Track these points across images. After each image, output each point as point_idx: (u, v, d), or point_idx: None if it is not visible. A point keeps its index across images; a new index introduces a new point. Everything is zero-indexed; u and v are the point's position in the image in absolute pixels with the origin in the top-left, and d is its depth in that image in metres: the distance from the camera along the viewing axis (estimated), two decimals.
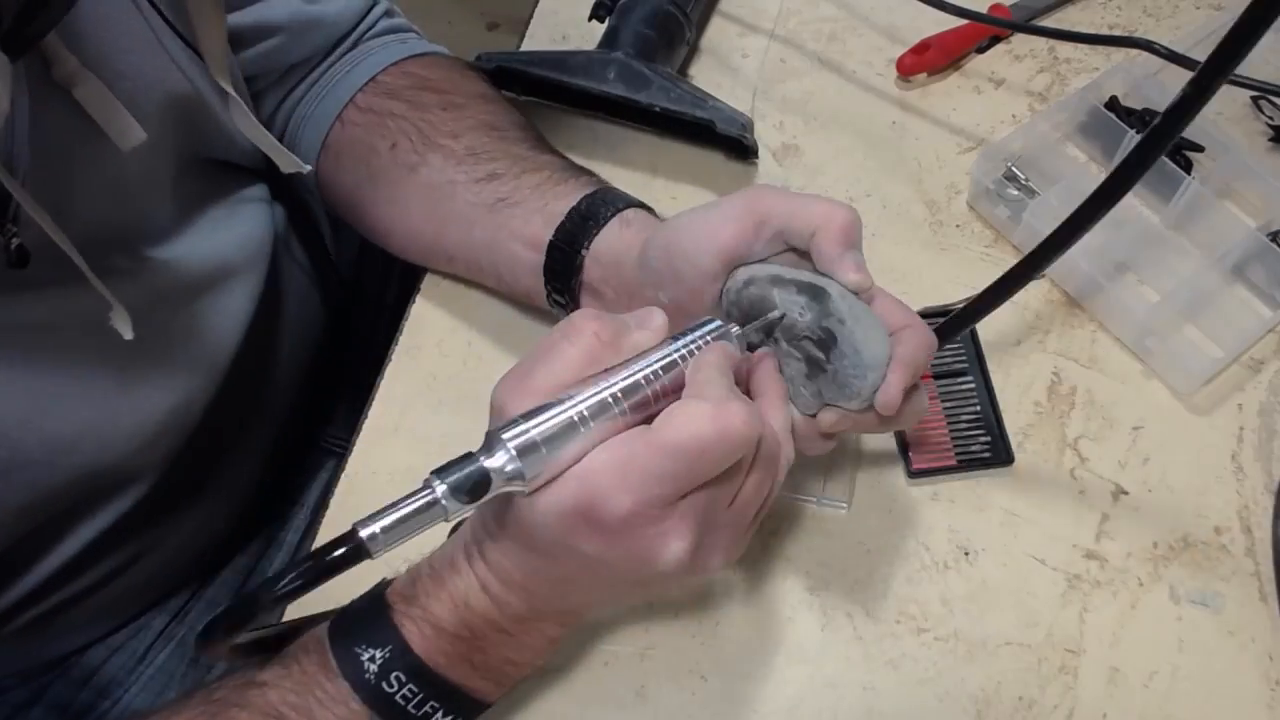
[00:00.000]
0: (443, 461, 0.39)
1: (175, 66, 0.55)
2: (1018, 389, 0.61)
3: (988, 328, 0.63)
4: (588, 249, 0.55)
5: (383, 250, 0.72)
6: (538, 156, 0.61)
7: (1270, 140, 0.69)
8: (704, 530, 0.41)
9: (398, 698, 0.44)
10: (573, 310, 0.53)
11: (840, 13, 0.78)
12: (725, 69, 0.75)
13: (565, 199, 0.57)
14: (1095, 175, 0.69)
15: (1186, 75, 0.63)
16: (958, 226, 0.67)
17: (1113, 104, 0.69)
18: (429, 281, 0.66)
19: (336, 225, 0.83)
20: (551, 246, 0.56)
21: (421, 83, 0.65)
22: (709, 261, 0.48)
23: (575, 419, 0.39)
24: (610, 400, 0.40)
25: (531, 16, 0.79)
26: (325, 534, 0.58)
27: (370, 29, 0.67)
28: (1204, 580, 0.55)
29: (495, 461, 0.38)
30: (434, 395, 0.62)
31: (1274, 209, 0.64)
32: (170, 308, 0.59)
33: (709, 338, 0.43)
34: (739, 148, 0.68)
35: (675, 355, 0.42)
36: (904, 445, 0.59)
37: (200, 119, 0.58)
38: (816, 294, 0.46)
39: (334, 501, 0.59)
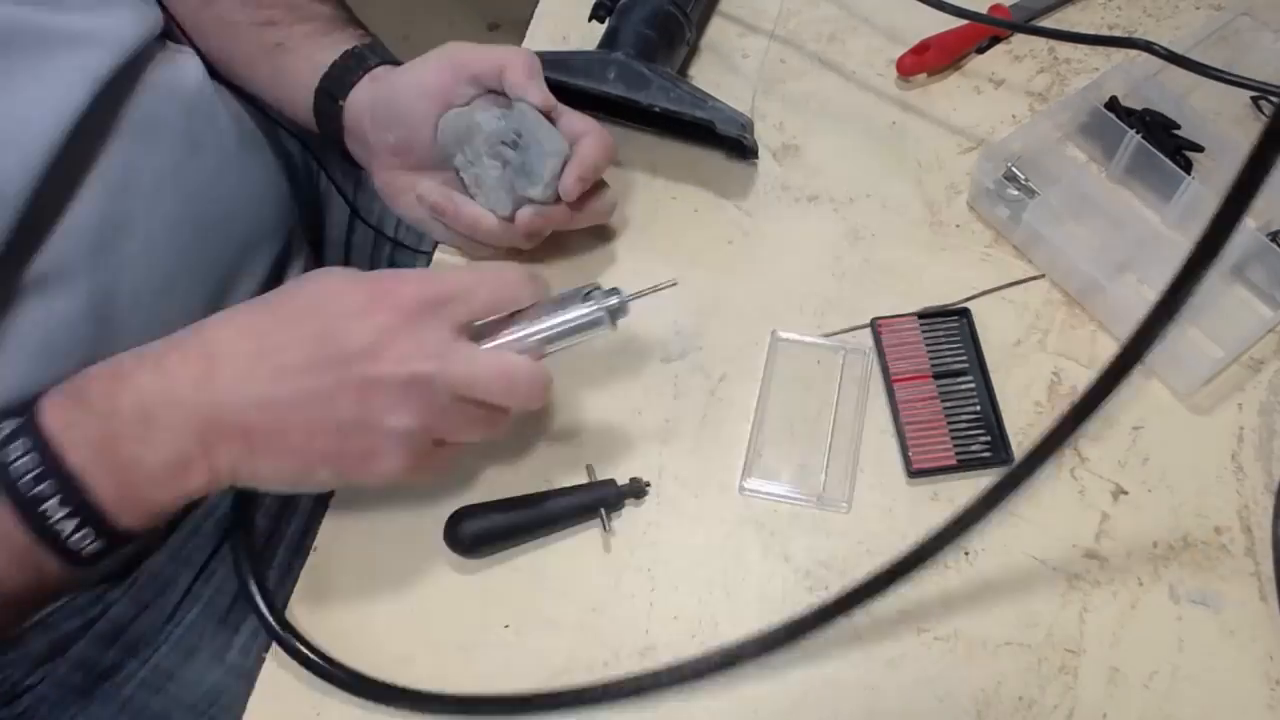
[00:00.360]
0: None
1: None
2: (1018, 389, 0.61)
3: (987, 328, 0.63)
4: (344, 101, 0.62)
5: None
6: (306, 6, 0.67)
7: None
8: (430, 386, 0.46)
9: (13, 467, 0.43)
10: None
11: (840, 13, 0.78)
12: (725, 69, 0.75)
13: (330, 50, 0.64)
14: (1095, 175, 0.69)
15: (1186, 75, 0.64)
16: (958, 226, 0.67)
17: (1113, 104, 0.69)
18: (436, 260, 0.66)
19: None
20: (318, 93, 0.63)
21: None
22: (423, 105, 0.59)
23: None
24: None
25: (532, 17, 0.79)
26: (324, 532, 0.58)
27: None
28: (1204, 580, 0.55)
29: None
30: None
31: (1274, 209, 0.64)
32: None
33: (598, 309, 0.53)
34: (739, 148, 0.68)
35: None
36: (904, 445, 0.59)
37: None
38: (509, 107, 0.59)
39: (333, 501, 0.59)
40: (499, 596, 0.55)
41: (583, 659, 0.54)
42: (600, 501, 0.56)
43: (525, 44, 0.77)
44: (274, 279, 0.76)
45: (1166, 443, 0.59)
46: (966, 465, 0.58)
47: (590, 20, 0.72)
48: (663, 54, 0.69)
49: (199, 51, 0.68)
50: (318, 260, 0.82)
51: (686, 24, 0.71)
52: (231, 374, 0.45)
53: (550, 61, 0.68)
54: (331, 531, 0.58)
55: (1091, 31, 0.74)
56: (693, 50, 0.75)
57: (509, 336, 0.51)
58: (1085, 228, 0.66)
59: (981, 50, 0.75)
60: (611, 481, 0.57)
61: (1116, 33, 0.75)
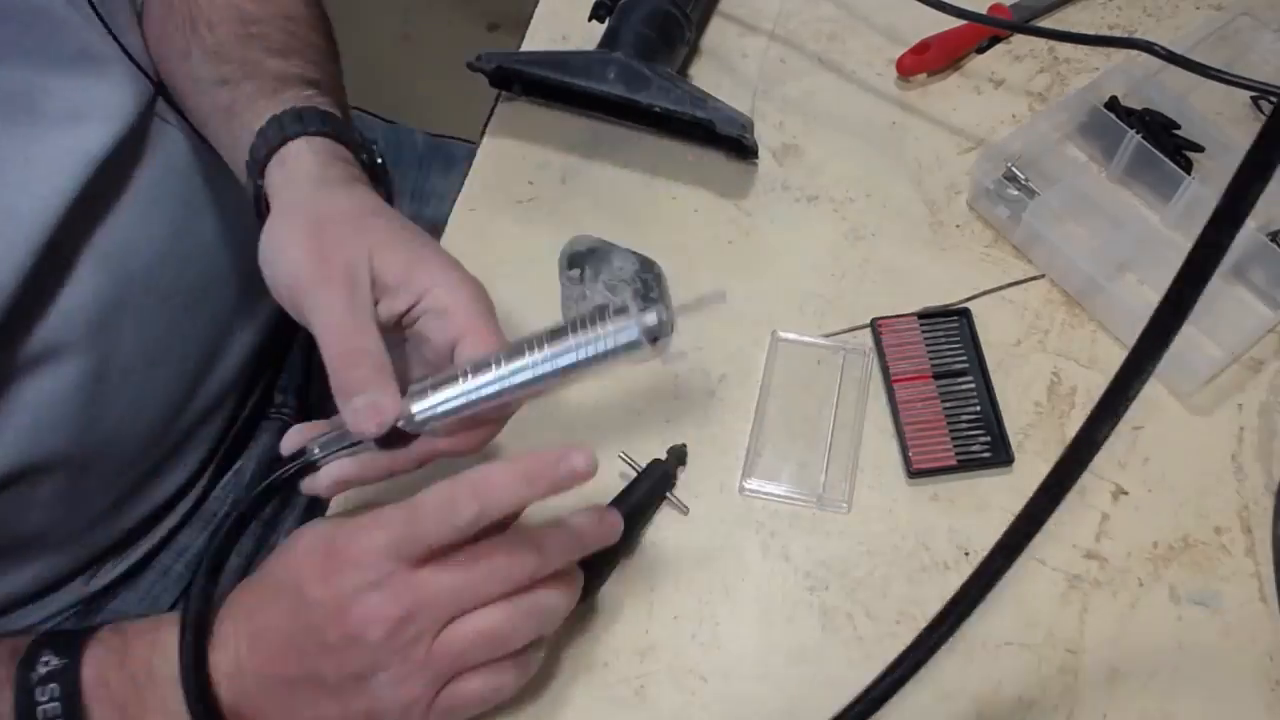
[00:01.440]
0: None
1: None
2: (1018, 389, 0.61)
3: (987, 328, 0.63)
4: (263, 181, 0.53)
5: None
6: (261, 62, 0.59)
7: None
8: (410, 625, 0.43)
9: (40, 710, 0.44)
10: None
11: (840, 13, 0.78)
12: (725, 69, 0.75)
13: (262, 116, 0.55)
14: (1095, 175, 0.69)
15: (1186, 75, 0.64)
16: (958, 226, 0.67)
17: (1113, 104, 0.69)
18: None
19: None
20: (247, 166, 0.55)
21: None
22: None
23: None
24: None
25: (532, 17, 0.79)
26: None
27: None
28: (1204, 580, 0.55)
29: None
30: None
31: (1274, 209, 0.64)
32: None
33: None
34: (739, 148, 0.68)
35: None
36: (904, 445, 0.59)
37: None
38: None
39: (332, 503, 0.59)
40: None
41: (582, 659, 0.54)
42: (664, 484, 0.57)
43: (525, 44, 0.77)
44: (267, 338, 0.75)
45: (1166, 443, 0.59)
46: (966, 465, 0.58)
47: (590, 20, 0.72)
48: (663, 54, 0.69)
49: (185, 114, 0.65)
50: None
51: (686, 24, 0.71)
52: (234, 659, 0.45)
53: (551, 61, 0.68)
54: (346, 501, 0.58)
55: (1091, 31, 0.74)
56: (693, 50, 0.75)
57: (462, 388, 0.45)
58: (1085, 228, 0.66)
59: (981, 50, 0.75)
60: (659, 461, 0.57)
61: (1116, 33, 0.75)
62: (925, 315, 0.63)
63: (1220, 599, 0.54)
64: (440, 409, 0.45)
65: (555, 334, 0.44)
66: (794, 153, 0.71)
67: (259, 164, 0.53)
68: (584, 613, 0.55)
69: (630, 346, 0.43)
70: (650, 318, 0.43)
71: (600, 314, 0.44)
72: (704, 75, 0.75)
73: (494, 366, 0.44)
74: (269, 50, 0.60)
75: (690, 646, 0.54)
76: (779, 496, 0.58)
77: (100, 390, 0.60)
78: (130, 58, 0.60)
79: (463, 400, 0.44)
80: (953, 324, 0.63)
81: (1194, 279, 0.33)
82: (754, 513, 0.58)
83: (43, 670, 0.45)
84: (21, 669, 0.45)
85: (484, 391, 0.44)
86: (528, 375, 0.44)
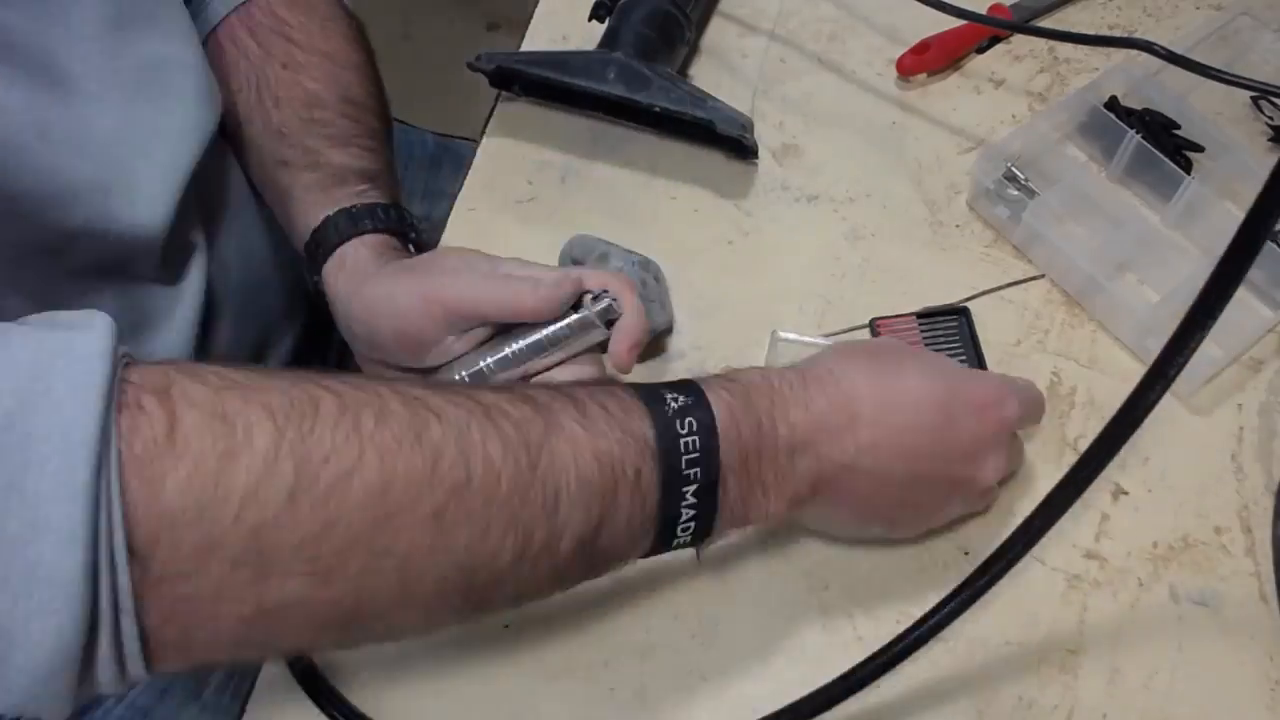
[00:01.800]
0: None
1: None
2: None
3: (987, 328, 0.63)
4: (319, 278, 0.58)
5: None
6: (322, 152, 0.61)
7: (1270, 140, 0.69)
8: (986, 491, 0.53)
9: (682, 442, 0.43)
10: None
11: (840, 13, 0.78)
12: (725, 69, 0.75)
13: (319, 213, 0.59)
14: (1095, 175, 0.69)
15: (1186, 75, 0.64)
16: (958, 226, 0.67)
17: (1112, 104, 0.69)
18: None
19: None
20: (305, 259, 0.60)
21: (279, 26, 0.65)
22: (402, 352, 0.54)
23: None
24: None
25: (531, 17, 0.79)
26: None
27: None
28: (1204, 580, 0.55)
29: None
30: None
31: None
32: None
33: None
34: (739, 148, 0.68)
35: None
36: None
37: None
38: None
39: None
40: None
41: (582, 659, 0.54)
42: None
43: (525, 44, 0.77)
44: (307, 344, 0.76)
45: (1166, 443, 0.59)
46: None
47: (590, 20, 0.72)
48: (663, 54, 0.69)
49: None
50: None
51: (686, 24, 0.71)
52: (866, 441, 0.48)
53: (550, 61, 0.68)
54: None
55: (1091, 31, 0.74)
56: (693, 50, 0.75)
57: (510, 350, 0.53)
58: (1085, 228, 0.66)
59: (981, 50, 0.75)
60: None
61: (1116, 33, 0.75)
62: (924, 315, 0.63)
63: (1220, 599, 0.54)
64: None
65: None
66: (794, 153, 0.71)
67: (316, 262, 0.58)
68: (584, 613, 0.55)
69: (584, 324, 0.53)
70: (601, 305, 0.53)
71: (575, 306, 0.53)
72: (704, 75, 0.75)
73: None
74: (329, 139, 0.62)
75: (690, 646, 0.54)
76: None
77: None
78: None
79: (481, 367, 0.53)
80: (951, 323, 0.63)
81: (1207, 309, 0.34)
82: None
83: (675, 404, 0.44)
84: (651, 402, 0.44)
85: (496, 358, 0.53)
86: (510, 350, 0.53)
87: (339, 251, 0.57)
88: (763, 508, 0.47)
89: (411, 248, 0.60)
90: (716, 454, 0.44)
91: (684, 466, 0.43)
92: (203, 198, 0.62)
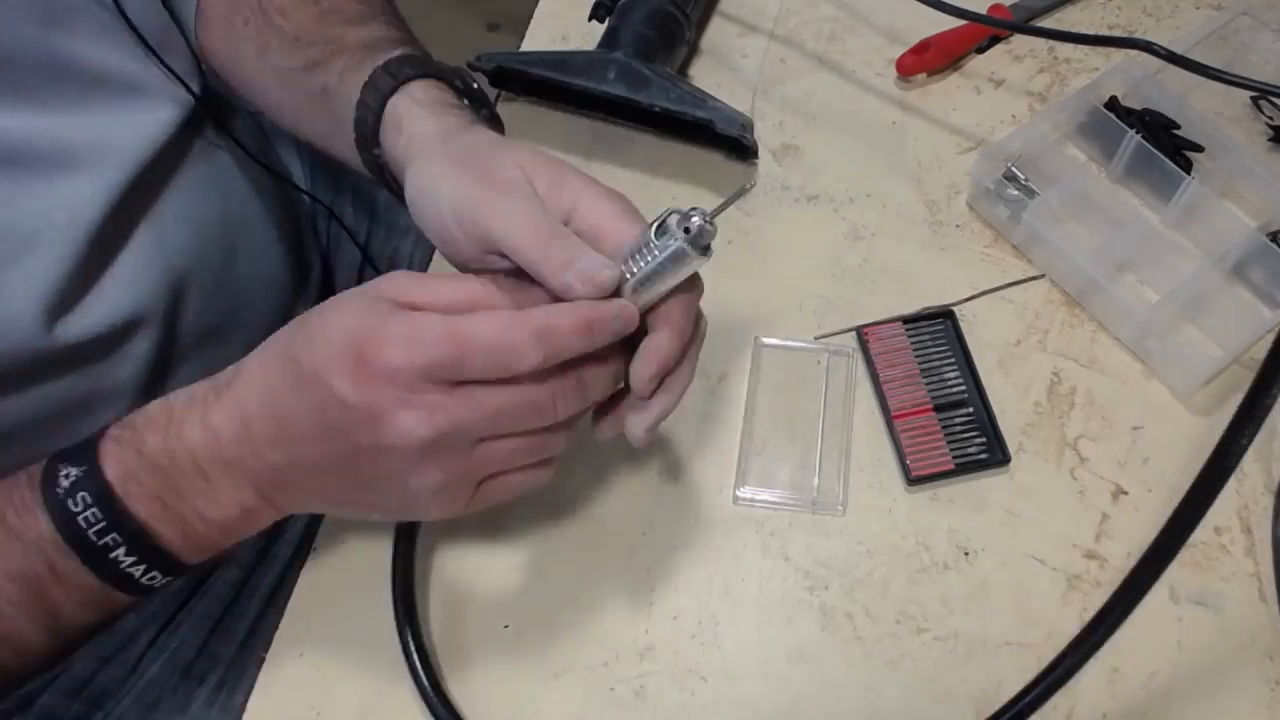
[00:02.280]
0: None
1: None
2: (1018, 389, 0.61)
3: (987, 327, 0.63)
4: (380, 150, 0.54)
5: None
6: (343, 35, 0.58)
7: (1270, 140, 0.69)
8: (445, 441, 0.41)
9: (80, 519, 0.43)
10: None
11: (840, 13, 0.78)
12: (725, 69, 0.75)
13: (358, 83, 0.54)
14: (1095, 175, 0.69)
15: (1186, 75, 0.64)
16: (957, 226, 0.67)
17: (1112, 104, 0.69)
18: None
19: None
20: (358, 143, 0.55)
21: None
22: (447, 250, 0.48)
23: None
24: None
25: (531, 17, 0.79)
26: (324, 533, 0.58)
27: None
28: (1204, 580, 0.55)
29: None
30: None
31: (1274, 209, 0.64)
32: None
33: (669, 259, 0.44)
34: (739, 148, 0.68)
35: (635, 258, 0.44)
36: (901, 453, 0.58)
37: None
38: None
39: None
40: (499, 596, 0.55)
41: (582, 659, 0.54)
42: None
43: (525, 44, 0.77)
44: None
45: (1166, 443, 0.59)
46: (964, 468, 0.58)
47: (590, 20, 0.72)
48: (663, 54, 0.69)
49: (266, 113, 0.65)
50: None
51: (686, 24, 0.71)
52: (262, 438, 0.44)
53: (550, 61, 0.68)
54: (330, 531, 0.58)
55: (1091, 31, 0.74)
56: (693, 50, 0.75)
57: None
58: (1085, 228, 0.66)
59: (981, 50, 0.75)
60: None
61: (1116, 33, 0.75)
62: (910, 320, 0.63)
63: (1220, 599, 0.54)
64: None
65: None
66: (794, 153, 0.71)
67: (370, 133, 0.53)
68: (584, 613, 0.55)
69: (677, 258, 0.44)
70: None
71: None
72: (704, 75, 0.75)
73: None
74: (347, 22, 0.59)
75: (690, 646, 0.54)
76: (773, 504, 0.58)
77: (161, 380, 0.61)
78: (173, 74, 0.61)
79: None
80: (938, 326, 0.63)
81: None
82: (753, 512, 0.58)
83: (66, 483, 0.43)
84: (46, 488, 0.43)
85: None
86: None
87: (389, 113, 0.52)
88: (217, 529, 0.45)
89: (466, 101, 0.56)
90: (126, 513, 0.43)
91: (96, 539, 0.43)
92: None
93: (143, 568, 0.44)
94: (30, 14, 0.54)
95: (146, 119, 0.60)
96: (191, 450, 0.44)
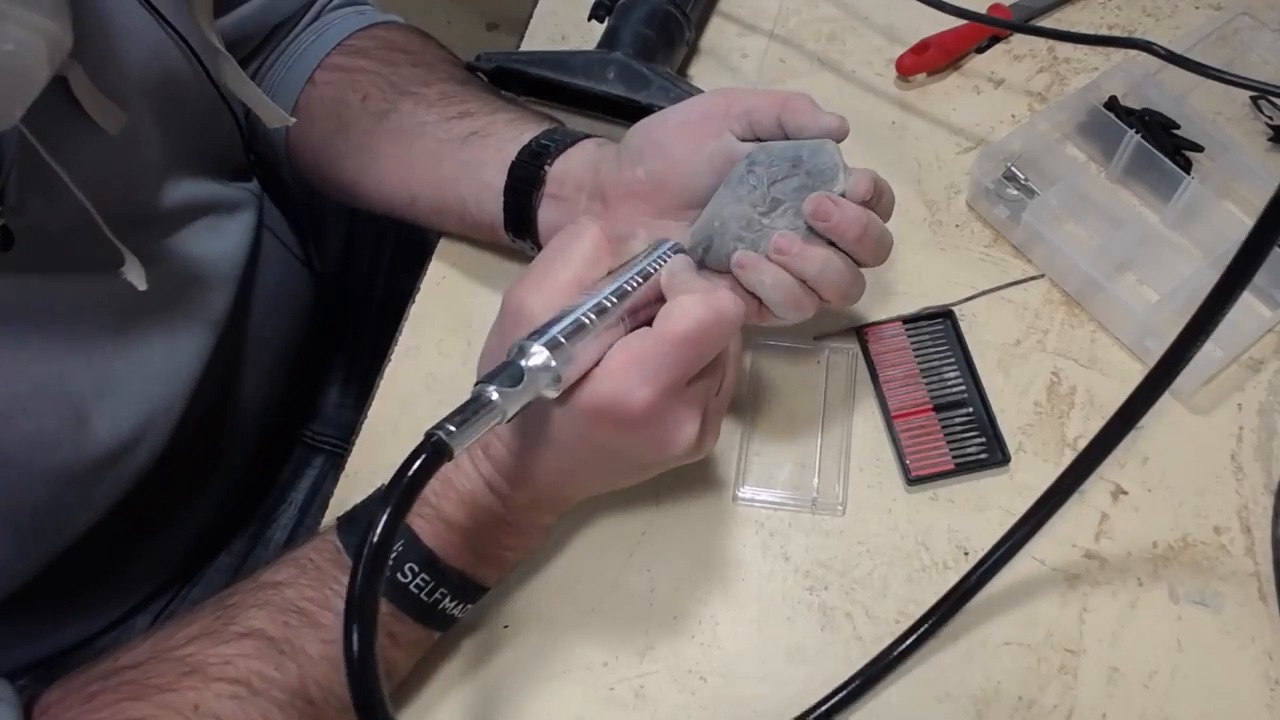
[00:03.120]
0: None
1: (164, 34, 0.55)
2: (1017, 389, 0.61)
3: (987, 327, 0.63)
4: (550, 166, 0.57)
5: (370, 245, 0.72)
6: (508, 103, 0.63)
7: (1270, 140, 0.69)
8: (705, 412, 0.47)
9: (411, 587, 0.47)
10: (529, 244, 0.60)
11: (840, 13, 0.78)
12: (725, 69, 0.75)
13: (536, 130, 0.59)
14: (1094, 175, 0.69)
15: (1186, 75, 0.64)
16: (957, 226, 0.67)
17: (1112, 104, 0.69)
18: (429, 281, 0.66)
19: (317, 223, 0.83)
20: (514, 166, 0.58)
21: (390, 44, 0.67)
22: (686, 136, 0.53)
23: (585, 321, 0.43)
24: (608, 305, 0.44)
25: (531, 17, 0.79)
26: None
27: (330, 1, 0.70)
28: (1204, 580, 0.55)
29: (534, 361, 0.41)
30: (434, 395, 0.62)
31: None
32: (154, 302, 0.58)
33: (669, 253, 0.49)
34: None
35: (648, 266, 0.47)
36: (901, 453, 0.58)
37: (186, 93, 0.59)
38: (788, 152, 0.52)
39: (332, 501, 0.59)
40: (499, 596, 0.55)
41: (582, 659, 0.54)
42: None
43: (525, 44, 0.77)
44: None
45: (1166, 443, 0.59)
46: (964, 468, 0.58)
47: (590, 20, 0.72)
48: (662, 54, 0.69)
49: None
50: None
51: (686, 24, 0.71)
52: (553, 496, 0.50)
53: (550, 61, 0.68)
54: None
55: (1091, 31, 0.74)
56: (692, 50, 0.75)
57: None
58: (1084, 228, 0.66)
59: (981, 50, 0.75)
60: None
61: (1116, 32, 0.75)
62: (909, 320, 0.63)
63: (1220, 599, 0.54)
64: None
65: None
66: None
67: (555, 151, 0.57)
68: (584, 612, 0.55)
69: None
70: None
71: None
72: (704, 75, 0.75)
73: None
74: (499, 96, 0.65)
75: (690, 646, 0.54)
76: (773, 504, 0.58)
77: None
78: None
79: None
80: (938, 326, 0.63)
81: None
82: (753, 512, 0.58)
83: (393, 557, 0.47)
84: None
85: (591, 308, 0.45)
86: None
87: (592, 139, 0.59)
88: (524, 548, 0.52)
89: None
90: (450, 570, 0.48)
91: (427, 598, 0.48)
92: None
93: (464, 606, 0.50)
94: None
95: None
96: (489, 510, 0.49)
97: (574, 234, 0.47)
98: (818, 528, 0.57)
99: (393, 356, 0.64)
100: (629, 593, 0.55)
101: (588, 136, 0.59)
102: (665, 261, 0.48)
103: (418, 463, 0.37)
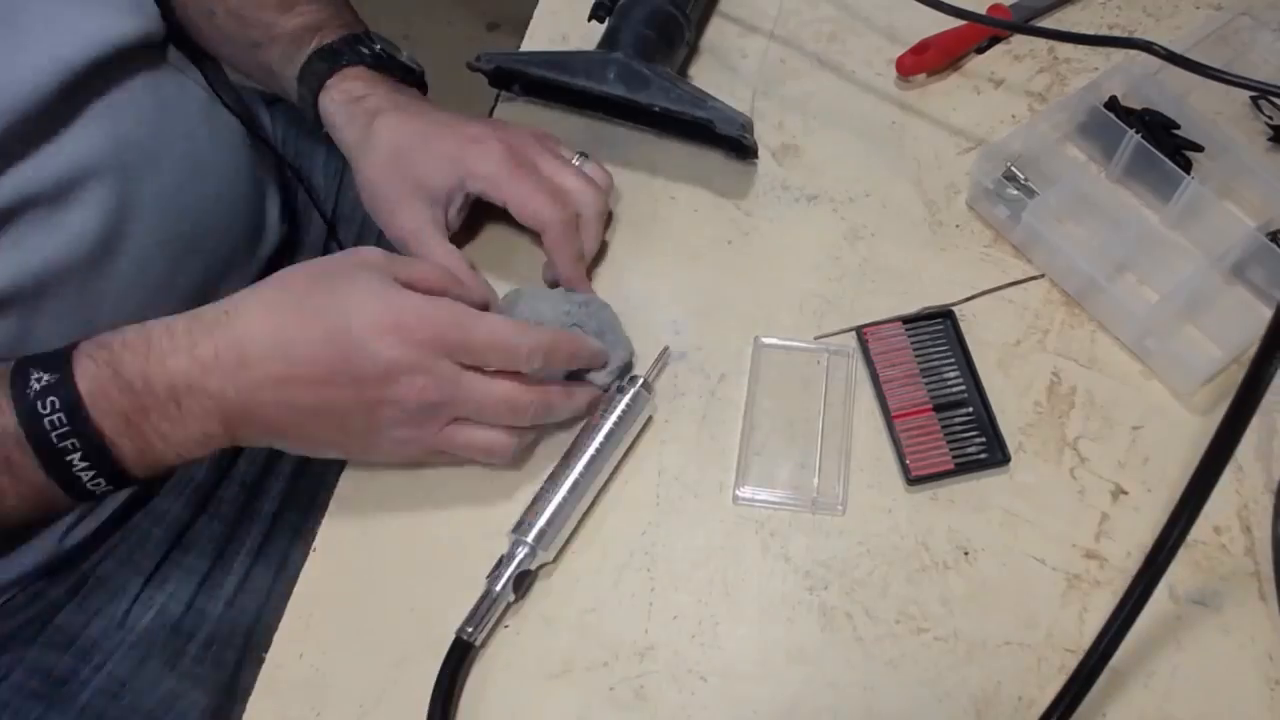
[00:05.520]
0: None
1: None
2: (1018, 389, 0.61)
3: (987, 327, 0.63)
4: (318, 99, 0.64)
5: (353, 224, 0.81)
6: (276, 24, 0.67)
7: (1270, 140, 0.69)
8: (437, 408, 0.51)
9: (45, 420, 0.47)
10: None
11: (840, 13, 0.78)
12: (725, 69, 0.75)
13: (293, 85, 0.65)
14: (1094, 175, 0.69)
15: (1186, 75, 0.64)
16: (957, 226, 0.67)
17: (1112, 104, 0.69)
18: None
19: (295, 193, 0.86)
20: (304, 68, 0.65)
21: None
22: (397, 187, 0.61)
23: (561, 502, 0.55)
24: (579, 479, 0.56)
25: (531, 17, 0.79)
26: (324, 532, 0.58)
27: None
28: (1203, 580, 0.55)
29: (520, 556, 0.54)
30: None
31: (1274, 209, 0.64)
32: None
33: (628, 400, 0.58)
34: (739, 148, 0.68)
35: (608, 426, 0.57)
36: (901, 453, 0.58)
37: None
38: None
39: (332, 502, 0.59)
40: None
41: (582, 659, 0.54)
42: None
43: (525, 44, 0.77)
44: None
45: (1166, 443, 0.59)
46: (964, 468, 0.58)
47: (590, 20, 0.72)
48: (662, 54, 0.69)
49: (201, 59, 0.70)
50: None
51: (686, 24, 0.71)
52: (261, 376, 0.49)
53: (551, 62, 0.68)
54: (331, 529, 0.58)
55: (1091, 31, 0.74)
56: (692, 50, 0.75)
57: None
58: (1084, 228, 0.66)
59: (981, 50, 0.75)
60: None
61: (1116, 33, 0.75)
62: (909, 320, 0.63)
63: (1220, 598, 0.54)
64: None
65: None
66: (794, 153, 0.71)
67: (314, 117, 0.65)
68: (584, 612, 0.55)
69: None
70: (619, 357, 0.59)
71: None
72: (704, 75, 0.75)
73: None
74: (276, 8, 0.67)
75: (690, 646, 0.54)
76: (773, 504, 0.58)
77: (91, 326, 0.60)
78: None
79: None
80: (938, 326, 0.63)
81: None
82: (753, 512, 0.58)
83: (37, 386, 0.47)
84: (15, 386, 0.47)
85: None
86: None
87: (323, 115, 0.64)
88: (175, 449, 0.50)
89: (376, 69, 0.66)
90: (90, 422, 0.47)
91: (56, 441, 0.47)
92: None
93: (93, 474, 0.48)
94: None
95: (109, 21, 0.62)
96: (170, 378, 0.48)
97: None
98: (818, 528, 0.57)
99: None
100: (629, 593, 0.55)
101: (315, 102, 0.64)
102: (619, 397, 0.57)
103: (449, 669, 0.49)
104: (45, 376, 0.47)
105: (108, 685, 0.65)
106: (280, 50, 0.66)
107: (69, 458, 0.47)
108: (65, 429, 0.47)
